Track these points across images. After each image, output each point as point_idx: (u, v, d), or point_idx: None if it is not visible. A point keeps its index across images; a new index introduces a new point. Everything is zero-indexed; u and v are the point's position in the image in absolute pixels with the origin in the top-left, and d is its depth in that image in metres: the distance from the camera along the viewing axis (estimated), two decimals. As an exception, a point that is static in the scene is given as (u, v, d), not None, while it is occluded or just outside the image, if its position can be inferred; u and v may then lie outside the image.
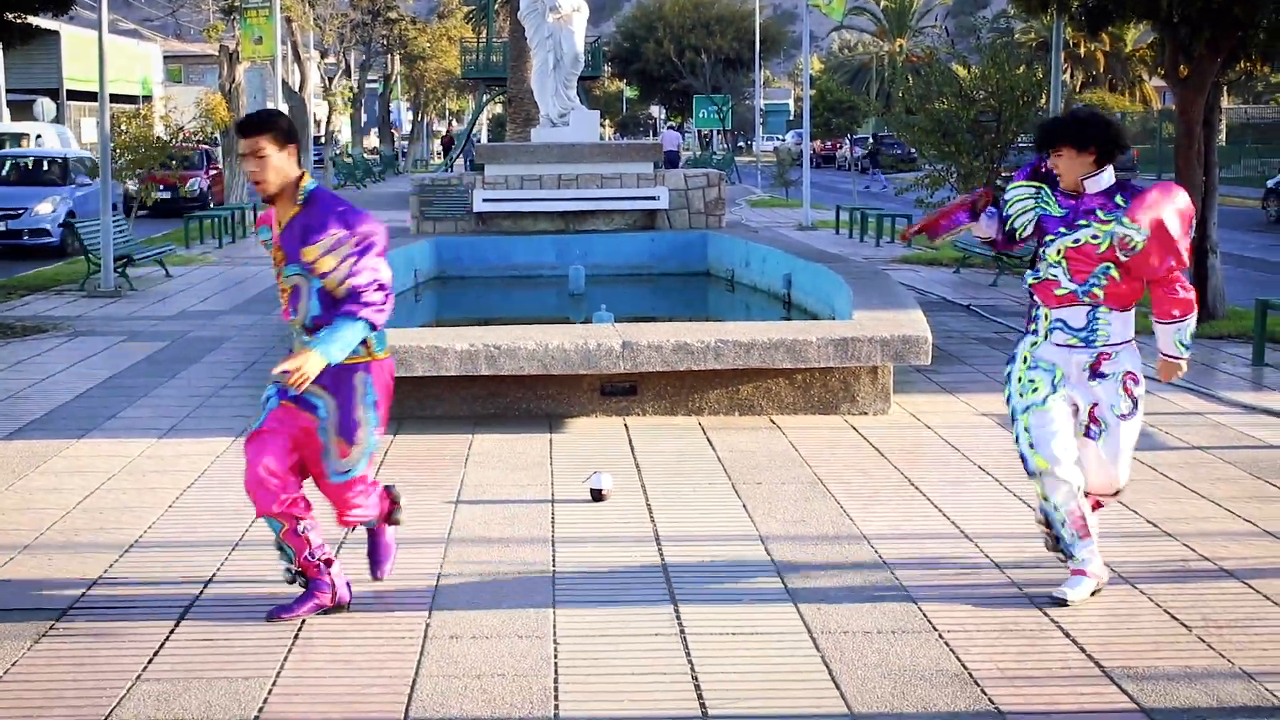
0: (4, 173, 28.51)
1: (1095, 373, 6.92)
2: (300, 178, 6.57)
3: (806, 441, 10.89)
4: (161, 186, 34.34)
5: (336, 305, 6.49)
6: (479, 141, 56.63)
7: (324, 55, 59.44)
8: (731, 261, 20.24)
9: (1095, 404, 6.97)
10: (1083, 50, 67.32)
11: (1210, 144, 17.05)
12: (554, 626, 6.84)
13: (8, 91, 50.93)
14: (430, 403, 11.54)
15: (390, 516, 7.32)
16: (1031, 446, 6.93)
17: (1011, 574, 7.64)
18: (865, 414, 11.88)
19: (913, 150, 32.62)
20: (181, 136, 41.31)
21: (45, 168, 28.74)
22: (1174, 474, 9.83)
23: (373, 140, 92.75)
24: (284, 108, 43.46)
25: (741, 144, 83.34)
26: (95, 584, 7.52)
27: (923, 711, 5.83)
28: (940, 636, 6.69)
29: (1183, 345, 6.99)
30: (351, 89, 78.56)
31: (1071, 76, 66.88)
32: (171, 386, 13.37)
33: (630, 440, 10.91)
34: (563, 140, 22.90)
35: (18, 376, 13.99)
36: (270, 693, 5.99)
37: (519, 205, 21.67)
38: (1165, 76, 18.77)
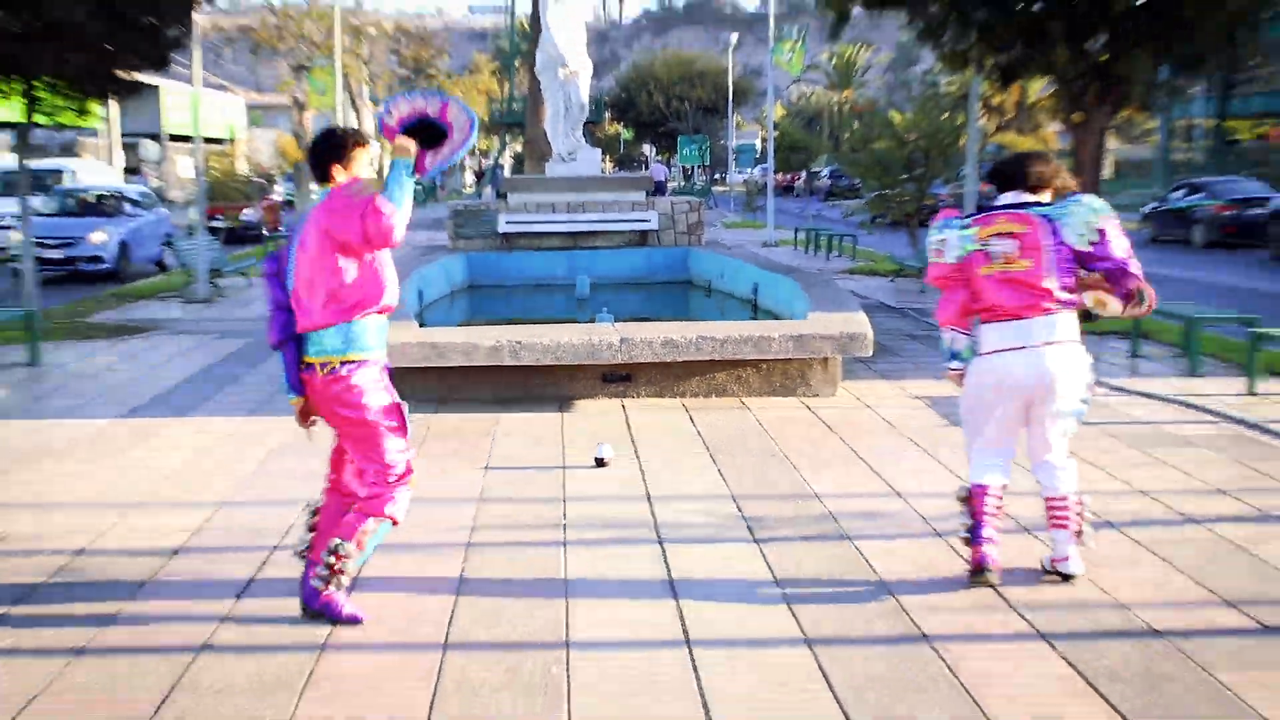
0: (65, 205, 27.18)
1: (1048, 385, 6.58)
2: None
3: (769, 419, 10.94)
4: (219, 216, 33.87)
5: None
6: (503, 174, 56.53)
7: (376, 104, 59.28)
8: (709, 273, 20.27)
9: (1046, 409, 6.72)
10: (996, 100, 67.23)
11: (1098, 177, 17.09)
12: (564, 565, 6.90)
13: (121, 135, 50.91)
14: (465, 388, 11.59)
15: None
16: (973, 460, 6.87)
17: (935, 523, 7.68)
18: (817, 396, 11.93)
19: (857, 181, 32.62)
20: (260, 171, 41.38)
21: (101, 201, 27.32)
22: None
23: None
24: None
25: (717, 176, 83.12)
26: (196, 533, 7.58)
27: (863, 637, 5.90)
28: (877, 574, 6.75)
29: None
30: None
31: (986, 122, 66.87)
32: (254, 376, 13.39)
33: (627, 418, 10.96)
34: (571, 174, 22.95)
35: (131, 367, 14.03)
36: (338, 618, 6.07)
37: (536, 227, 21.71)
38: (1062, 122, 18.83)
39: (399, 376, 11.60)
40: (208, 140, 31.67)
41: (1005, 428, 6.71)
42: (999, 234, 6.43)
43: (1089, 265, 6.41)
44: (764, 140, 53.11)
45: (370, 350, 6.09)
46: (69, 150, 57.74)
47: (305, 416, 6.23)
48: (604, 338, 11.65)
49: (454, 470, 9.06)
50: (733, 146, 77.64)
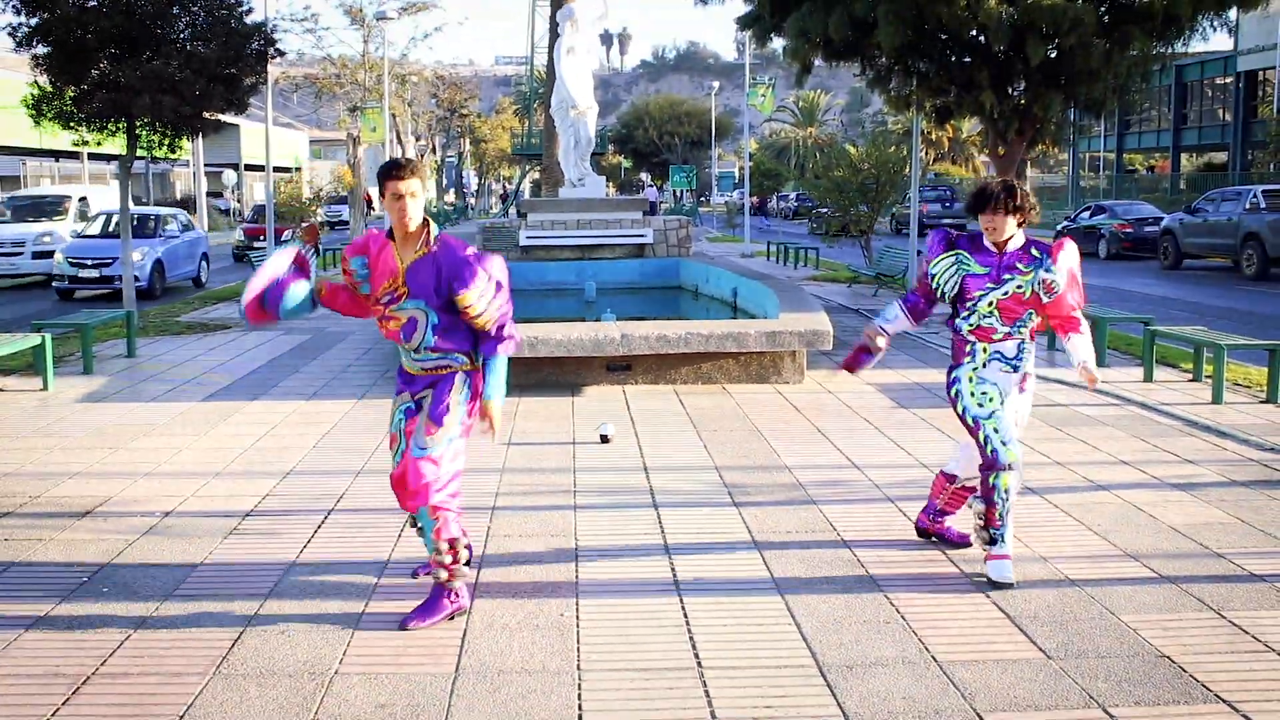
0: (107, 228, 24.63)
1: (1020, 388, 6.03)
2: (427, 222, 5.24)
3: (747, 402, 10.89)
4: (261, 237, 31.98)
5: (454, 335, 5.23)
6: (523, 197, 56.65)
7: (418, 139, 59.29)
8: (696, 279, 20.21)
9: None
10: (934, 136, 67.21)
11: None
12: (575, 525, 6.86)
13: (205, 164, 50.96)
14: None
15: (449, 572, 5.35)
16: (1004, 444, 5.84)
17: (886, 490, 7.65)
18: (787, 383, 11.88)
19: (822, 206, 32.59)
20: (321, 195, 41.28)
21: (138, 223, 24.04)
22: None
23: (450, 196, 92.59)
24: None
25: (702, 198, 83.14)
26: (265, 498, 7.53)
27: (825, 584, 5.85)
28: (838, 533, 6.71)
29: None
30: (436, 162, 78.47)
31: (926, 154, 66.88)
32: (314, 365, 13.34)
33: (627, 401, 10.91)
34: (580, 196, 22.87)
35: (210, 359, 13.98)
36: (385, 568, 6.02)
37: (550, 241, 21.65)
38: (989, 154, 18.81)
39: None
40: (277, 169, 31.61)
41: None
42: None
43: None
44: (741, 169, 53.15)
45: None
46: (163, 179, 57.78)
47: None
48: (608, 334, 11.59)
49: (480, 445, 8.97)
50: (715, 174, 77.52)
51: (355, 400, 11.06)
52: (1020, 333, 5.94)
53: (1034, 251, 5.84)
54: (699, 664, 4.87)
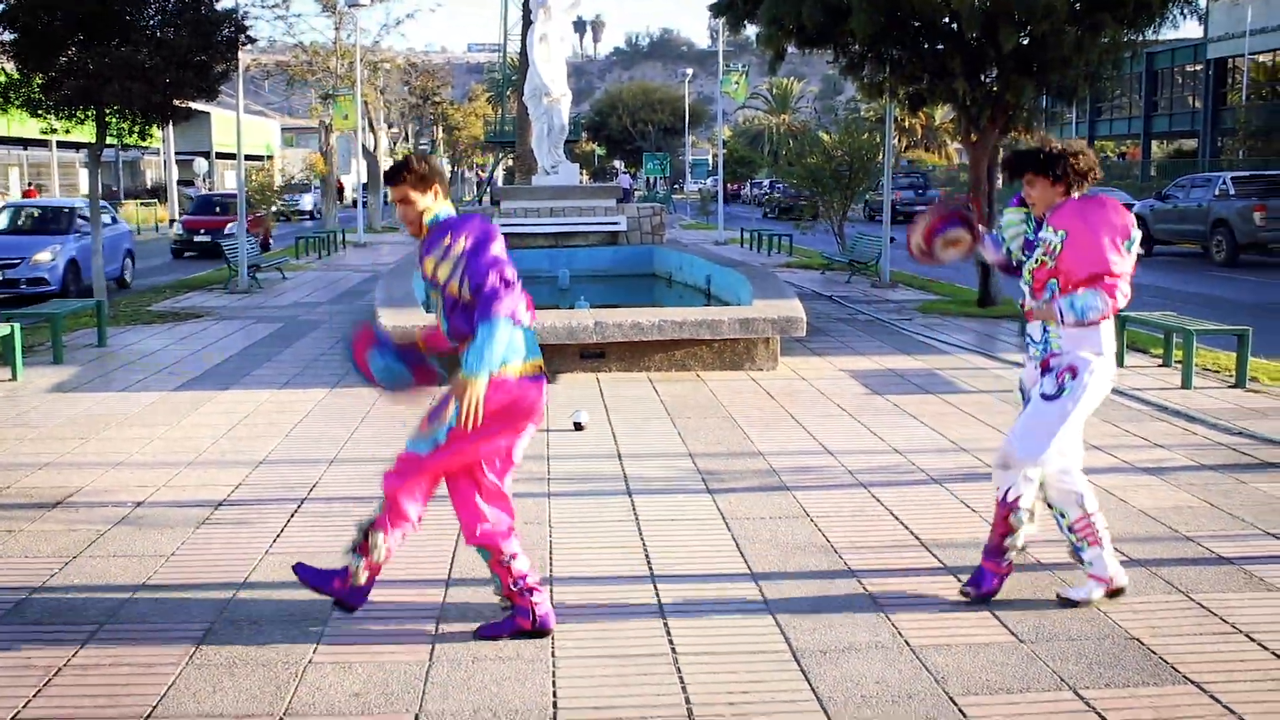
0: (16, 223, 21.67)
1: (1044, 369, 5.23)
2: (427, 211, 4.90)
3: (721, 389, 10.90)
4: (202, 230, 30.29)
5: (461, 317, 4.77)
6: (497, 184, 56.43)
7: (390, 126, 58.98)
8: (670, 266, 20.23)
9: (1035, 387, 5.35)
10: (907, 123, 67.32)
11: (992, 186, 17.11)
12: (549, 513, 6.86)
13: (176, 153, 50.68)
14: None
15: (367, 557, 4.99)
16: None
17: (859, 476, 7.67)
18: (761, 370, 11.90)
19: (792, 189, 32.63)
20: (292, 180, 41.05)
21: (50, 218, 21.73)
22: (968, 409, 9.89)
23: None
24: (363, 165, 43.24)
25: (676, 186, 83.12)
26: (238, 488, 7.50)
27: (799, 570, 5.87)
28: (811, 520, 6.72)
29: (1070, 306, 5.02)
30: (409, 149, 78.16)
31: (899, 141, 67.01)
32: (287, 354, 13.29)
33: (601, 389, 10.90)
34: (554, 184, 22.84)
35: (182, 347, 13.90)
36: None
37: (525, 228, 21.60)
38: (962, 141, 18.87)
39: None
40: (249, 157, 31.42)
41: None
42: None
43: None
44: (715, 156, 53.16)
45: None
46: (134, 167, 57.41)
47: None
48: (581, 321, 11.59)
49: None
50: (689, 161, 77.55)
51: (328, 389, 11.02)
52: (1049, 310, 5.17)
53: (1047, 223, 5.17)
54: (673, 650, 4.88)
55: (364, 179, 44.02)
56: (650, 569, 5.90)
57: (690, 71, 69.08)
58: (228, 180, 59.57)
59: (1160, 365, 11.99)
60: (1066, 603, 5.31)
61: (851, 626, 5.12)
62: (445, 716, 4.30)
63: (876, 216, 32.60)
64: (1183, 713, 4.30)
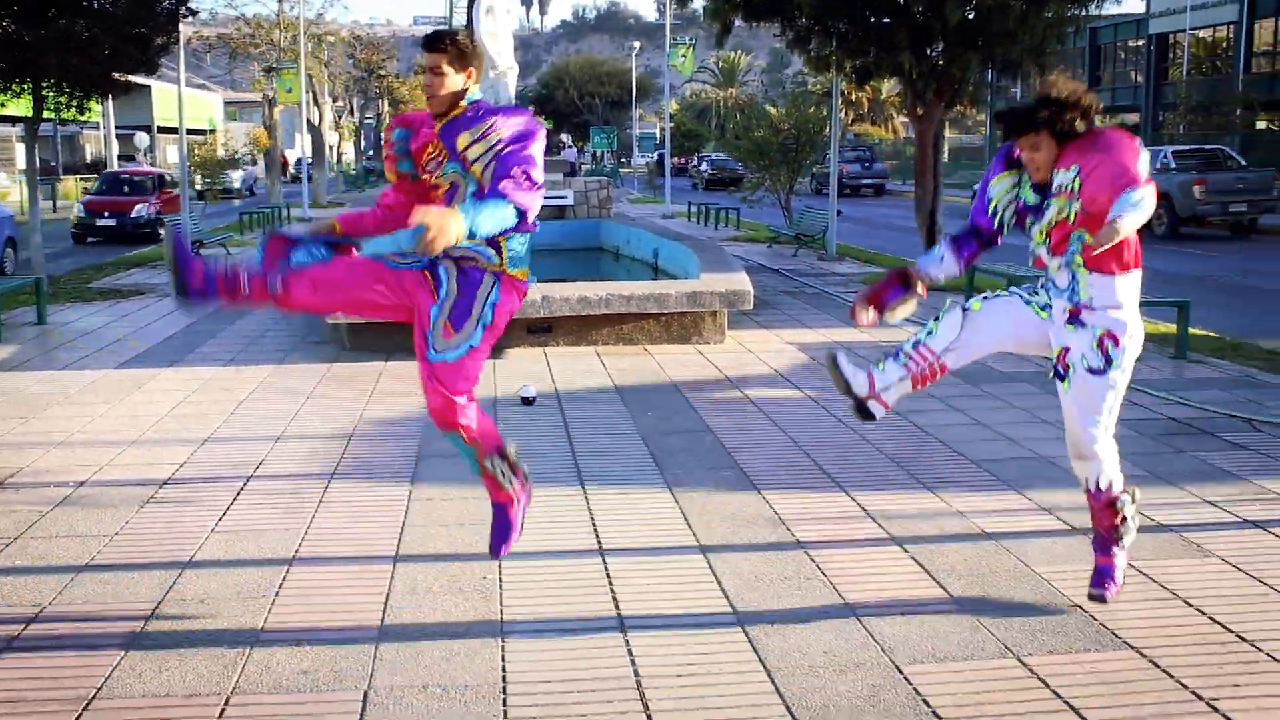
0: None
1: (1073, 317, 4.74)
2: (465, 91, 4.67)
3: (669, 363, 10.91)
4: (106, 213, 27.60)
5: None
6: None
7: (335, 100, 58.37)
8: (617, 240, 20.20)
9: (1067, 349, 4.80)
10: (853, 97, 67.55)
11: (937, 160, 17.21)
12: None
13: (116, 127, 49.96)
14: (411, 340, 11.42)
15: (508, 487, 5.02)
16: (934, 325, 5.14)
17: (806, 448, 7.72)
18: (709, 343, 11.92)
19: (739, 164, 32.65)
20: (236, 155, 40.56)
21: None
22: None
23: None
24: (307, 139, 42.80)
25: (623, 160, 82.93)
26: (183, 466, 7.43)
27: (746, 543, 5.90)
28: (759, 492, 6.76)
29: (1122, 208, 4.29)
30: (354, 124, 77.46)
31: (846, 115, 67.19)
32: (231, 331, 13.16)
33: (549, 363, 10.88)
34: (501, 158, 22.71)
35: (124, 325, 13.74)
36: (306, 534, 5.97)
37: (471, 203, 21.49)
38: (908, 114, 18.96)
39: (358, 331, 11.48)
40: (191, 132, 30.93)
41: None
42: None
43: None
44: (662, 130, 52.99)
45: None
46: (73, 142, 56.49)
47: None
48: (528, 296, 11.53)
49: (402, 408, 8.93)
50: (636, 135, 77.38)
51: (274, 365, 10.94)
52: (1074, 263, 4.72)
53: (1072, 175, 4.63)
54: (622, 624, 4.89)
55: (308, 153, 43.61)
56: (599, 543, 5.90)
57: (637, 45, 69.02)
58: (170, 155, 58.72)
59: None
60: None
61: (799, 597, 5.16)
62: (394, 693, 4.30)
63: (823, 190, 32.66)
64: (1123, 677, 4.37)
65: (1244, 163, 28.18)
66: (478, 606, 5.07)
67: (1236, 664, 4.48)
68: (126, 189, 29.48)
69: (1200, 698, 4.22)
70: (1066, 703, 4.18)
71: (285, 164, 48.81)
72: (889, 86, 61.17)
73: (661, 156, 64.95)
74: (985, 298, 5.16)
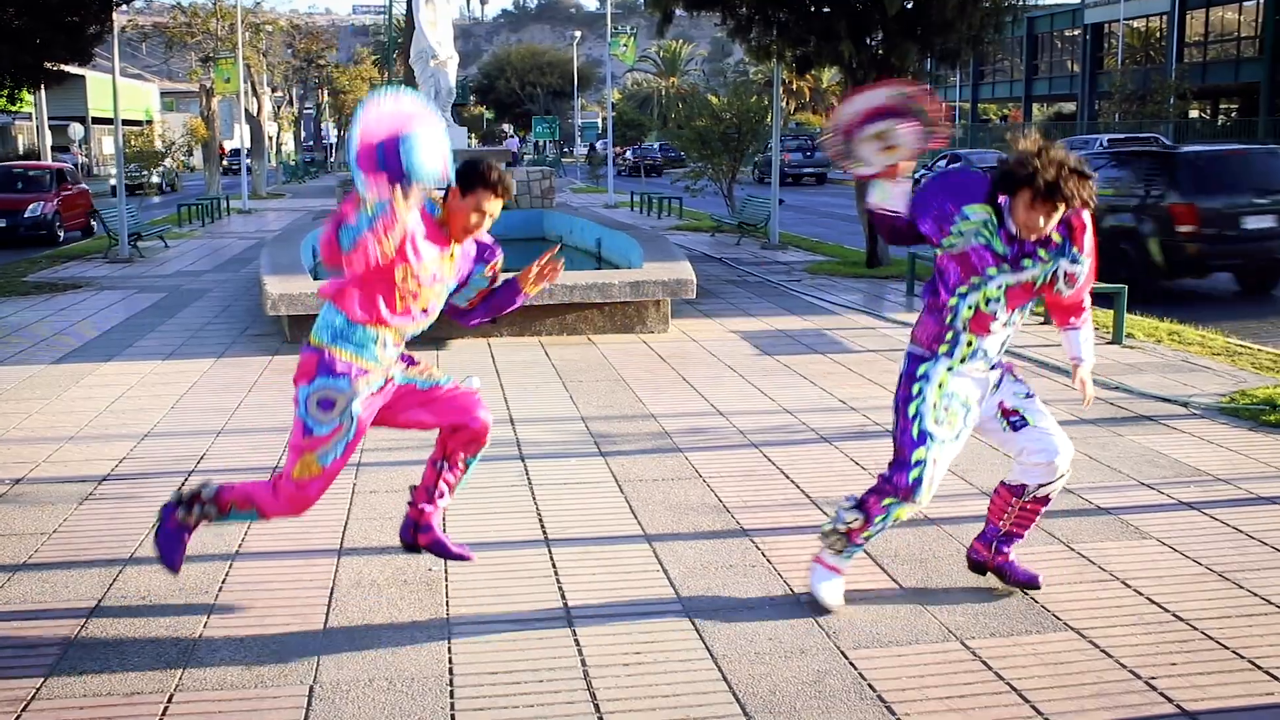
0: None
1: (996, 384, 4.72)
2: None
3: (612, 352, 10.92)
4: None
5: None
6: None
7: (274, 90, 57.77)
8: (560, 230, 20.16)
9: (1001, 401, 4.73)
10: (795, 86, 67.83)
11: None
12: (443, 481, 6.82)
13: (49, 118, 49.18)
14: (354, 331, 11.35)
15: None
16: (929, 484, 4.59)
17: (750, 435, 7.75)
18: (652, 332, 11.94)
19: (682, 153, 32.68)
20: (174, 147, 40.08)
21: None
22: (857, 368, 10.02)
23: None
24: (245, 130, 42.33)
25: (565, 149, 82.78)
26: (122, 462, 7.34)
27: (691, 531, 5.92)
28: (703, 480, 6.78)
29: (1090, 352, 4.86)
30: (294, 114, 76.75)
31: (787, 104, 67.43)
32: (170, 324, 13.01)
33: (492, 354, 10.85)
34: (442, 148, 22.59)
35: (60, 319, 13.54)
36: (249, 529, 5.91)
37: (413, 193, 21.36)
38: (849, 102, 19.02)
39: (299, 323, 11.40)
40: (127, 123, 30.45)
41: None
42: None
43: None
44: (604, 119, 52.88)
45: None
46: (4, 133, 55.54)
47: None
48: (472, 287, 11.50)
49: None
50: (578, 124, 77.14)
51: (214, 359, 10.83)
52: (1015, 324, 4.68)
53: (1055, 235, 4.46)
54: (568, 613, 4.90)
55: (247, 144, 43.14)
56: (544, 533, 5.90)
57: (579, 34, 68.74)
58: (105, 146, 57.93)
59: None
60: (825, 609, 4.90)
61: (744, 585, 5.18)
62: (340, 686, 4.27)
63: (765, 179, 32.77)
64: (1064, 658, 4.44)
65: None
66: (423, 599, 5.05)
67: (1173, 643, 4.56)
68: (20, 185, 25.45)
69: (1138, 676, 4.29)
70: (1009, 684, 4.24)
71: (223, 154, 48.22)
72: (830, 75, 61.41)
73: (592, 146, 65.18)
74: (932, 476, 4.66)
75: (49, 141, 48.07)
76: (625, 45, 38.20)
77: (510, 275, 5.04)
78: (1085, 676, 4.30)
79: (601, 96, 78.45)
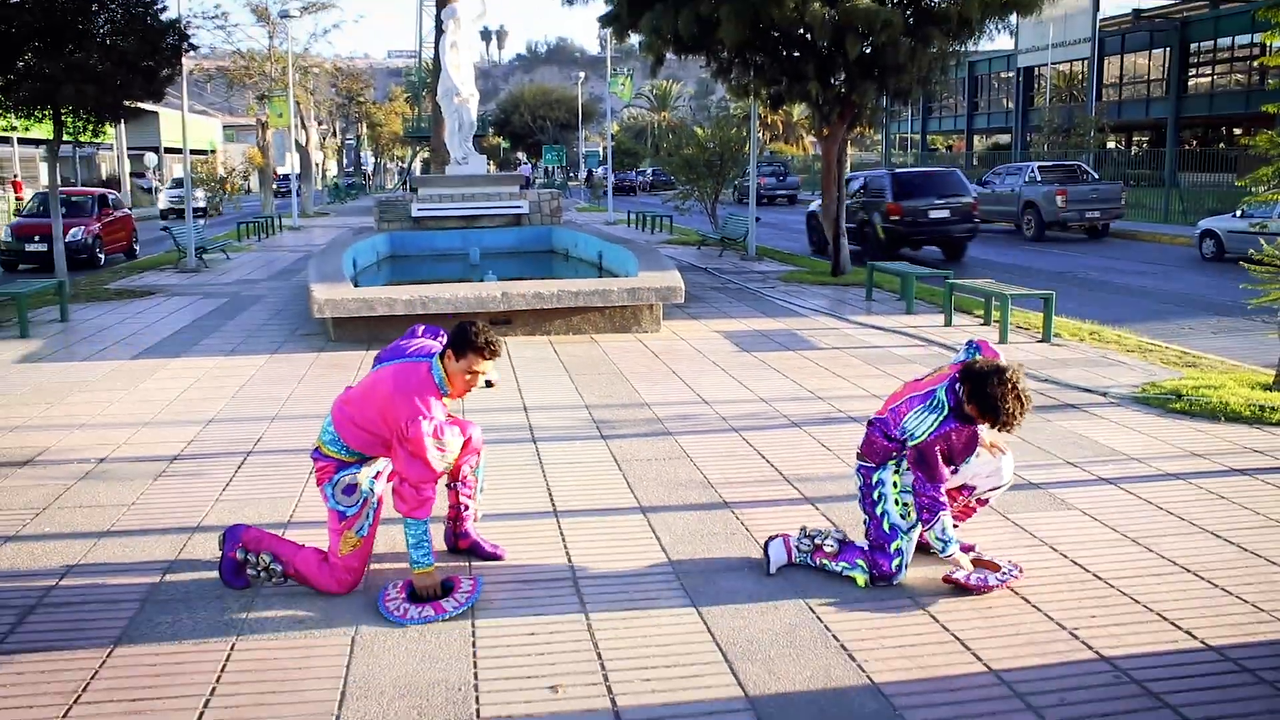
0: None
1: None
2: None
3: (612, 349, 10.91)
4: (37, 237, 21.15)
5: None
6: (414, 174, 55.55)
7: (320, 123, 57.67)
8: (566, 244, 20.12)
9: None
10: (769, 119, 67.67)
11: (841, 174, 17.30)
12: (466, 461, 6.83)
13: (128, 148, 49.13)
14: (388, 332, 11.29)
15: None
16: (905, 567, 4.69)
17: (731, 421, 7.75)
18: (646, 332, 11.93)
19: (671, 177, 32.64)
20: (234, 173, 39.92)
21: None
22: (822, 362, 10.02)
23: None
24: (296, 158, 42.23)
25: (571, 174, 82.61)
26: (190, 444, 7.34)
27: (680, 503, 5.93)
28: (691, 460, 6.78)
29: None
30: (337, 144, 76.56)
31: (763, 135, 67.37)
32: (231, 325, 12.99)
33: (508, 351, 10.83)
34: (464, 173, 22.52)
35: (137, 321, 13.51)
36: (299, 501, 5.92)
37: (439, 212, 21.30)
38: (816, 135, 19.02)
39: (341, 325, 11.39)
40: (194, 152, 30.37)
41: None
42: None
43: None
44: (605, 148, 52.90)
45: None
46: (90, 161, 55.36)
47: None
48: (489, 292, 11.50)
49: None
50: (583, 152, 77.08)
51: (269, 355, 10.81)
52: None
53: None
54: (574, 574, 4.90)
55: (297, 169, 43.08)
56: (553, 505, 5.91)
57: (583, 75, 68.75)
58: (175, 172, 57.75)
59: (981, 324, 12.28)
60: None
61: (726, 549, 5.19)
62: (379, 636, 4.28)
63: (744, 199, 32.69)
64: (999, 612, 4.45)
65: (1097, 176, 28.58)
66: (450, 561, 5.06)
67: (1093, 598, 4.58)
68: (65, 210, 21.60)
69: (1063, 627, 4.30)
70: (953, 634, 4.26)
71: (278, 176, 48.04)
72: (799, 110, 61.33)
73: (590, 172, 65.30)
74: (906, 562, 4.79)
75: (128, 168, 48.08)
76: (623, 84, 38.15)
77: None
78: (1018, 628, 4.32)
79: (602, 128, 78.30)
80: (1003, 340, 10.94)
